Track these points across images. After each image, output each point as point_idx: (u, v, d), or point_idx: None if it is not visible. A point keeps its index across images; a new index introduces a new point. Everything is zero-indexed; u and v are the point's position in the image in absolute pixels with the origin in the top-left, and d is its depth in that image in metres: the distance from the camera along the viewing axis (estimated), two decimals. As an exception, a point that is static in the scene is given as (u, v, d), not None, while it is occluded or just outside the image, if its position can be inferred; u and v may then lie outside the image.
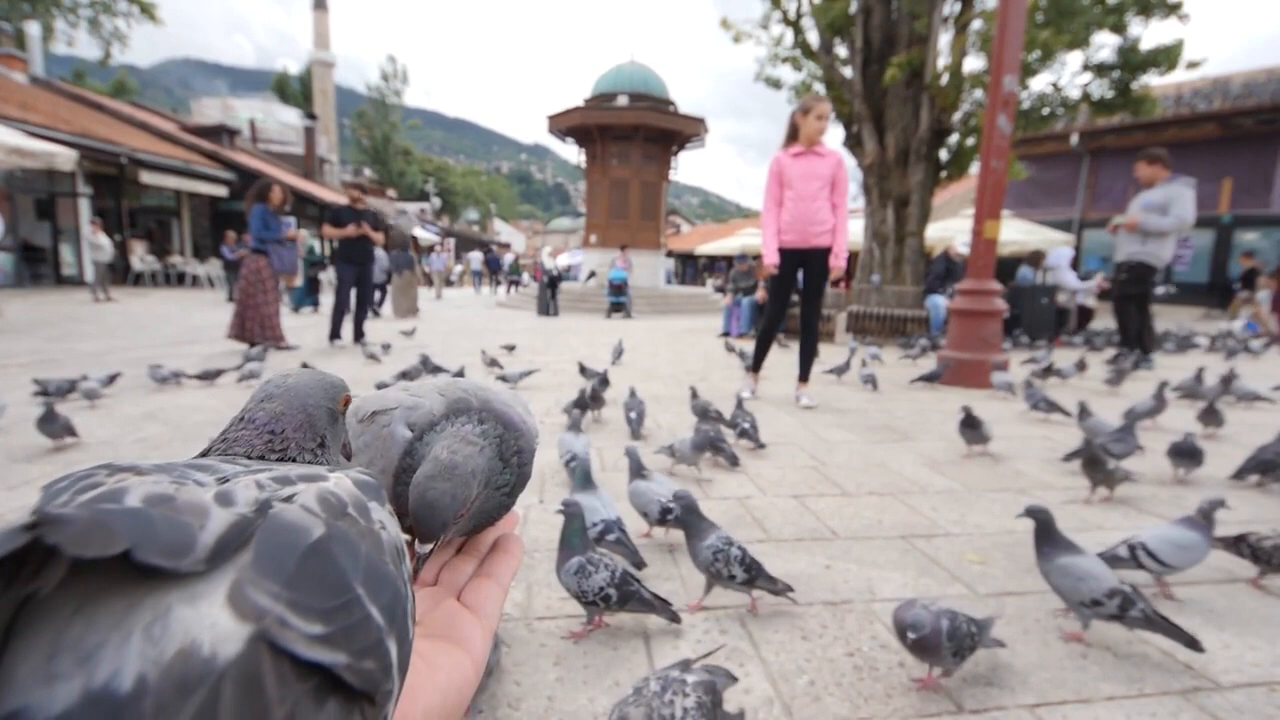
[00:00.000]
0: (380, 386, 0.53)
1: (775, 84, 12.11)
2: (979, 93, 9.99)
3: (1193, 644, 1.56)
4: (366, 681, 0.25)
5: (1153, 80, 9.83)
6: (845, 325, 9.72)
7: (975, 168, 9.70)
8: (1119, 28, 9.21)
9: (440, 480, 0.42)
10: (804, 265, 4.73)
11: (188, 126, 27.44)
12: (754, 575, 1.77)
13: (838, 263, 4.65)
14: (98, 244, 13.78)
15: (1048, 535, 1.74)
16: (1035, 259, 10.85)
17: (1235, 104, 17.18)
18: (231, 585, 0.23)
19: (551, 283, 14.95)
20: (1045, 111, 10.44)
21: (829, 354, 7.29)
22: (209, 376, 4.96)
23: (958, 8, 10.04)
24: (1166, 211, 6.11)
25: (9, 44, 21.26)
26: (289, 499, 0.28)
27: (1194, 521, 1.90)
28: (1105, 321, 10.63)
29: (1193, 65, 9.40)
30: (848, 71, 11.12)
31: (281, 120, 38.47)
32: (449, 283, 30.07)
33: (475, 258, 30.14)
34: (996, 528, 2.48)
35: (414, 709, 0.34)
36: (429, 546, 0.44)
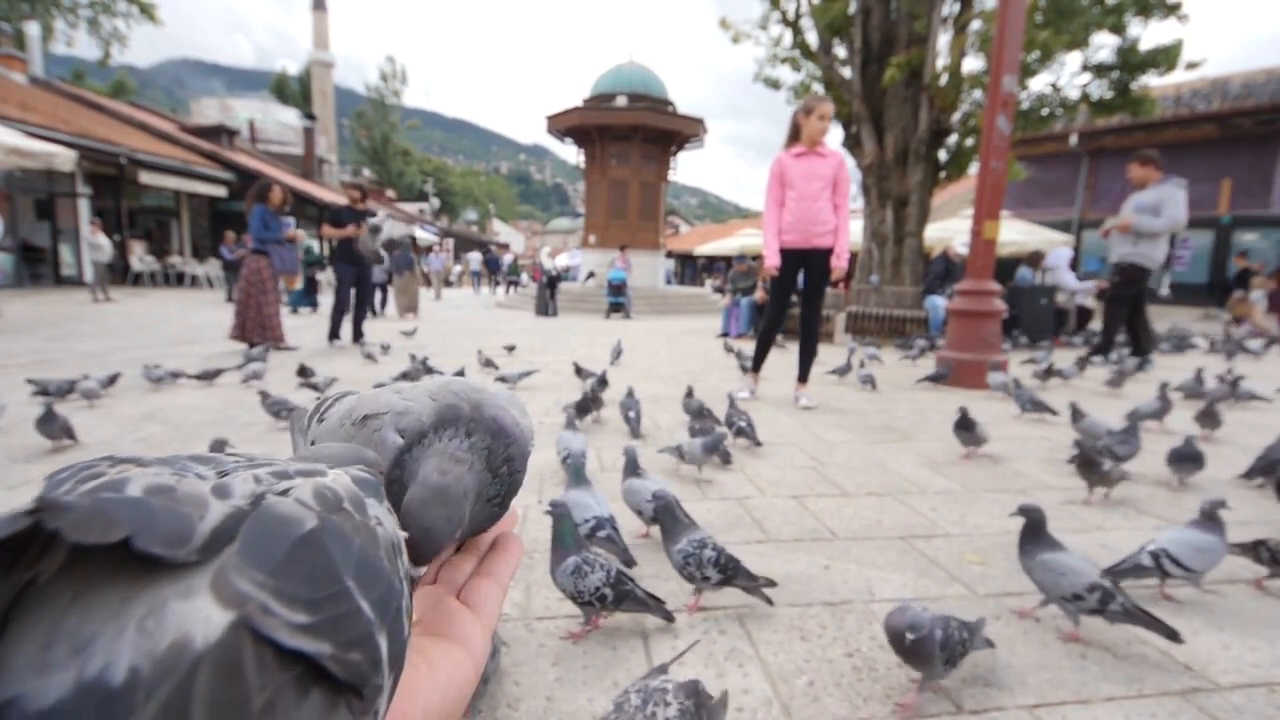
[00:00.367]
0: (378, 386, 0.53)
1: (774, 84, 12.11)
2: (978, 93, 10.00)
3: (1172, 635, 1.58)
4: (353, 673, 0.25)
5: (1152, 81, 9.83)
6: (844, 326, 9.72)
7: (974, 168, 9.70)
8: (1118, 28, 9.21)
9: (435, 506, 0.42)
10: (805, 266, 4.73)
11: (187, 127, 27.44)
12: (730, 575, 1.76)
13: (840, 263, 4.64)
14: (97, 244, 13.78)
15: (1035, 534, 1.76)
16: (1034, 259, 10.86)
17: (1234, 104, 17.20)
18: (215, 572, 0.23)
19: (550, 283, 14.96)
20: (1044, 112, 10.44)
21: (828, 355, 7.29)
22: (208, 376, 4.96)
23: (957, 8, 10.05)
24: (1159, 213, 6.10)
25: (8, 44, 21.25)
26: (284, 493, 0.28)
27: (1205, 523, 1.90)
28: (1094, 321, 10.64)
29: (1192, 66, 9.41)
30: (847, 72, 11.13)
31: (280, 120, 38.47)
32: (448, 283, 30.08)
33: (474, 258, 30.17)
34: (996, 528, 2.48)
35: (413, 708, 0.34)
36: (422, 570, 0.44)
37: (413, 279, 13.45)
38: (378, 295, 13.32)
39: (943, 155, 11.00)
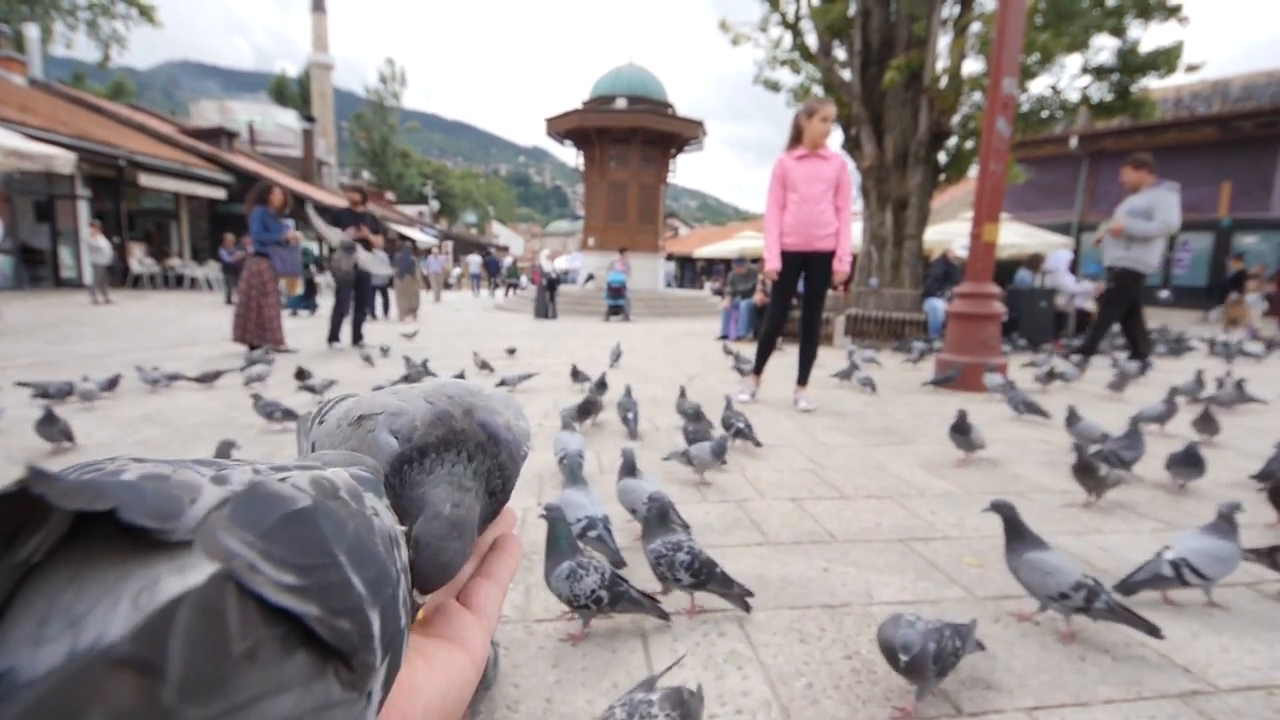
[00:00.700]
0: (377, 389, 0.54)
1: (774, 86, 12.12)
2: (978, 95, 10.01)
3: (1153, 631, 1.60)
4: (341, 640, 0.25)
5: (1152, 83, 9.84)
6: (844, 329, 9.72)
7: (974, 170, 9.71)
8: (1118, 30, 9.22)
9: (452, 540, 0.43)
10: (807, 268, 4.73)
11: (186, 129, 27.46)
12: (703, 580, 1.76)
13: (842, 267, 4.64)
14: (97, 246, 13.78)
15: (1017, 532, 1.78)
16: (1034, 262, 10.87)
17: (1235, 107, 17.22)
18: (203, 532, 0.23)
19: (550, 286, 14.97)
20: (1044, 114, 10.45)
21: (828, 357, 7.29)
22: (208, 379, 4.96)
23: (957, 10, 10.06)
24: (1151, 216, 6.09)
25: (8, 46, 21.24)
26: (281, 480, 0.28)
27: (1221, 528, 1.89)
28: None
29: (1192, 68, 9.42)
30: (846, 74, 11.14)
31: (280, 123, 38.48)
32: (447, 285, 30.10)
33: (474, 261, 30.18)
34: (994, 531, 2.47)
35: (413, 708, 0.34)
36: (427, 598, 0.44)
37: (414, 282, 13.50)
38: (378, 299, 13.35)
39: (942, 158, 11.01)
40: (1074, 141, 19.50)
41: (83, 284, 16.37)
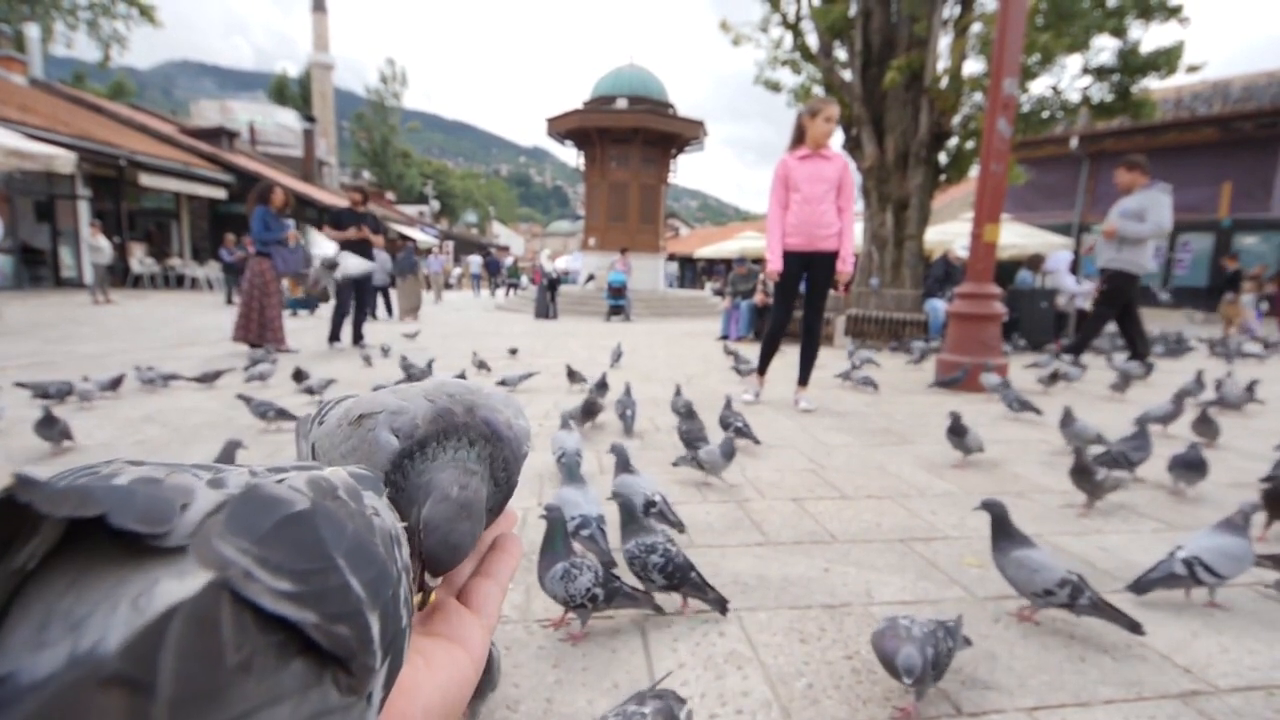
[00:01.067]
0: (377, 389, 0.54)
1: (775, 87, 12.12)
2: (978, 96, 10.01)
3: (1134, 628, 1.63)
4: (339, 645, 0.25)
5: (1152, 83, 9.84)
6: (845, 329, 9.72)
7: (975, 171, 9.71)
8: (1119, 31, 9.22)
9: (462, 521, 0.43)
10: (809, 268, 4.73)
11: (187, 129, 27.48)
12: (677, 582, 1.76)
13: (845, 267, 4.64)
14: (97, 246, 13.79)
15: (1004, 530, 1.81)
16: (1034, 262, 10.86)
17: (1235, 107, 17.23)
18: (198, 539, 0.23)
19: (550, 286, 14.97)
20: (1045, 115, 10.45)
21: (828, 358, 7.29)
22: (208, 379, 4.96)
23: (958, 10, 10.06)
24: (1144, 218, 6.09)
25: (8, 46, 21.28)
26: (278, 482, 0.28)
27: (1234, 526, 1.89)
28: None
29: (1193, 68, 9.42)
30: (847, 74, 11.14)
31: (280, 123, 38.47)
32: (448, 285, 30.10)
33: (475, 261, 30.19)
34: (995, 531, 2.47)
35: (413, 707, 0.34)
36: (439, 580, 0.44)
37: (416, 282, 13.53)
38: (380, 300, 13.35)
39: (943, 158, 11.01)
40: (1074, 142, 19.51)
41: (83, 284, 16.39)
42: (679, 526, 2.29)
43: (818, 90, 11.63)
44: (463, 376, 3.87)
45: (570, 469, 2.28)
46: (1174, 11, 8.97)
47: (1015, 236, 15.39)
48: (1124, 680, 1.55)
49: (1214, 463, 3.12)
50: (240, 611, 0.22)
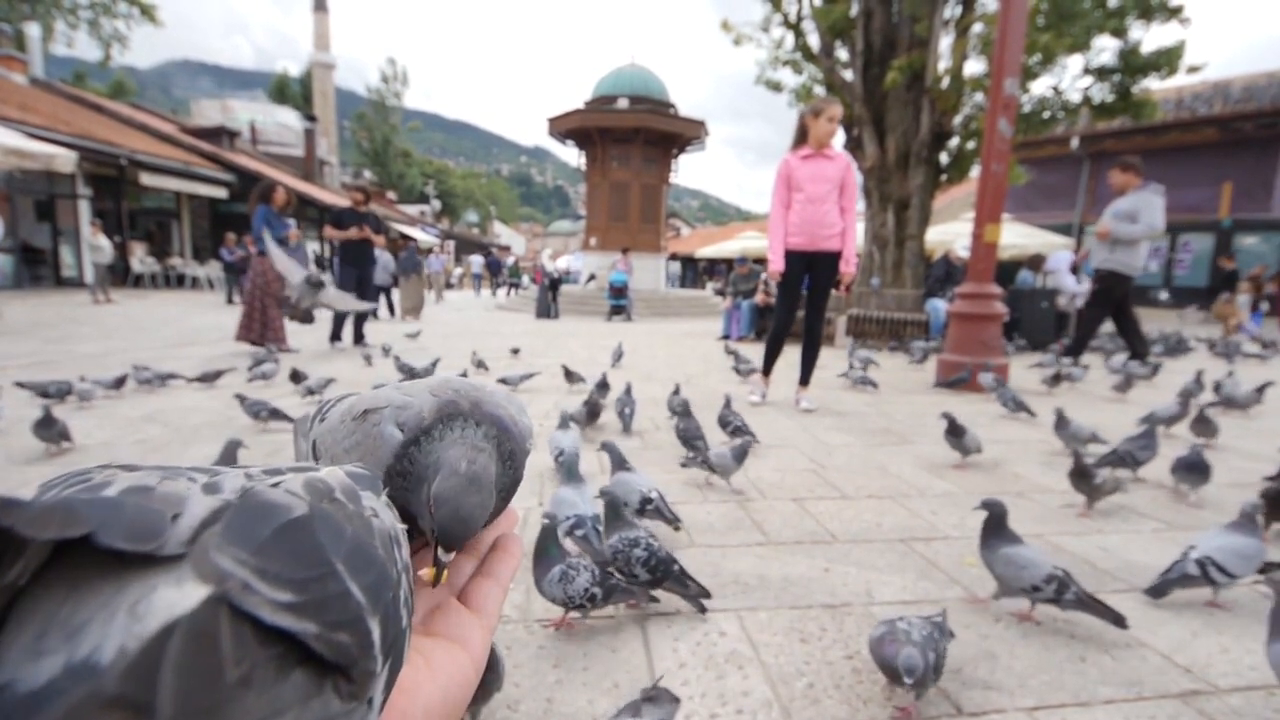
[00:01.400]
0: (378, 387, 0.54)
1: (776, 87, 12.13)
2: (979, 96, 10.02)
3: (1119, 621, 1.66)
4: (340, 654, 0.25)
5: (1153, 84, 9.86)
6: (846, 329, 9.72)
7: (975, 171, 9.73)
8: (1119, 31, 9.22)
9: (471, 494, 0.43)
10: (811, 268, 4.72)
11: (187, 128, 27.49)
12: (660, 577, 1.76)
13: (848, 268, 4.63)
14: (97, 246, 13.79)
15: (996, 528, 1.83)
16: (1035, 263, 10.86)
17: (1236, 108, 17.22)
18: (196, 551, 0.23)
19: (551, 285, 14.97)
20: (1046, 115, 10.46)
21: (829, 358, 7.29)
22: (208, 379, 4.95)
23: (959, 11, 10.07)
24: (1136, 219, 6.09)
25: (9, 45, 21.27)
26: (274, 486, 0.28)
27: (1243, 525, 1.89)
28: (1104, 325, 10.63)
29: (1193, 69, 9.43)
30: (848, 74, 11.15)
31: (281, 122, 38.48)
32: (449, 285, 30.10)
33: (476, 261, 30.21)
34: (996, 531, 2.47)
35: (414, 707, 0.34)
36: (452, 555, 0.44)
37: (418, 281, 13.56)
38: (381, 300, 13.36)
39: (944, 158, 11.02)
40: (1075, 142, 19.51)
41: (83, 283, 16.38)
42: (675, 524, 2.28)
43: (819, 90, 11.64)
44: (464, 375, 3.88)
45: (569, 468, 2.28)
46: (1174, 12, 8.97)
47: (1016, 237, 15.39)
48: (1124, 680, 1.55)
49: (1215, 463, 3.11)
50: (239, 625, 0.22)
